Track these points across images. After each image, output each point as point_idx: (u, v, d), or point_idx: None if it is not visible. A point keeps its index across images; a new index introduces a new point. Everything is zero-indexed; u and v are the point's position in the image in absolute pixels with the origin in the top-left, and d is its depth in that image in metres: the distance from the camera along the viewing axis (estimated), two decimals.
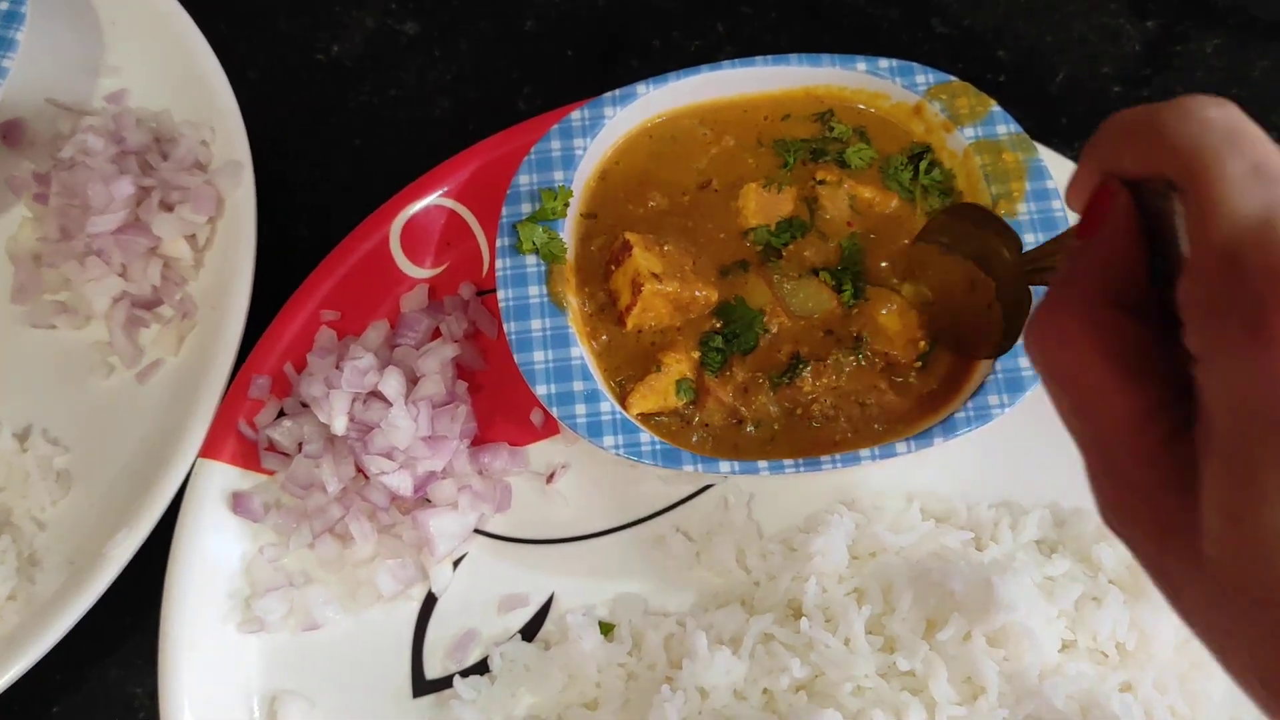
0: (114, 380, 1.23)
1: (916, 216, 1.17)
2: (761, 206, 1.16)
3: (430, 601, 1.13)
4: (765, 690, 1.03)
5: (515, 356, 1.08)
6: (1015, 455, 1.16)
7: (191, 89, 1.31)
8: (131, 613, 1.16)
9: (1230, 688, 1.05)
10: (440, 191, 1.25)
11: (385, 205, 1.24)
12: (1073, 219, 1.07)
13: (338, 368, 1.12)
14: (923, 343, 1.11)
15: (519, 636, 1.11)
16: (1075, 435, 0.61)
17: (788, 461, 1.05)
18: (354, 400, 1.11)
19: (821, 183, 1.17)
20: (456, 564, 1.15)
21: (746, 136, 1.20)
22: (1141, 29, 1.40)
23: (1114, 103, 1.36)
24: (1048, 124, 1.34)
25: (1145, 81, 1.37)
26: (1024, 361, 1.07)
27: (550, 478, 1.17)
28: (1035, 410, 1.13)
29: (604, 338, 1.13)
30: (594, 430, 1.05)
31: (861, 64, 1.19)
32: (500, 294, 1.11)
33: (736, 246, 1.16)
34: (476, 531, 1.16)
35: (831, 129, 1.20)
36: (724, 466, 1.05)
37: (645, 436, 1.05)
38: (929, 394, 1.10)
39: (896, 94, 1.19)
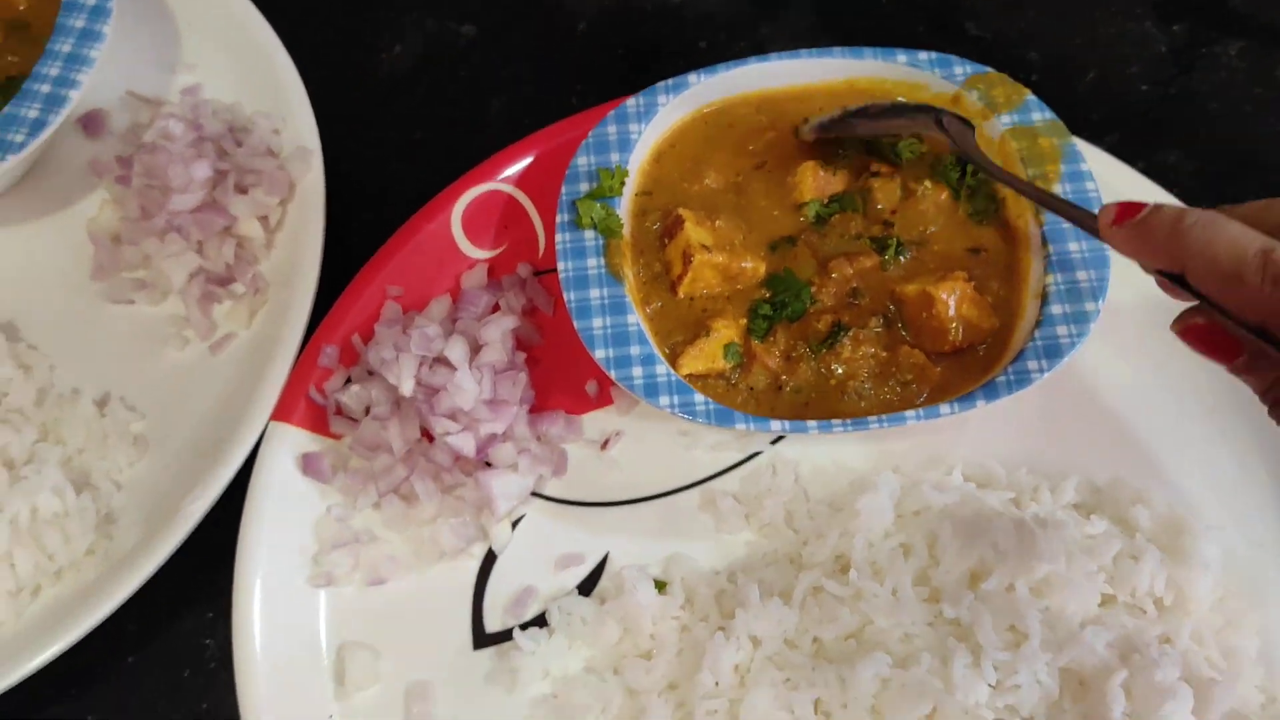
0: (188, 352, 1.29)
1: (960, 212, 1.23)
2: (817, 184, 1.23)
3: (490, 559, 1.18)
4: (815, 639, 1.07)
5: (575, 323, 1.14)
6: (1050, 432, 1.21)
7: (263, 82, 1.38)
8: (205, 569, 1.21)
9: (1266, 646, 1.09)
10: (500, 177, 1.32)
11: (448, 188, 1.30)
12: (1105, 198, 1.13)
13: (405, 335, 1.18)
14: (989, 324, 1.16)
15: (576, 592, 1.16)
16: None
17: (836, 421, 1.10)
18: (421, 364, 1.17)
19: (875, 174, 1.24)
20: (515, 524, 1.19)
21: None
22: (1167, 33, 1.47)
23: (1140, 101, 1.43)
24: (1077, 120, 1.38)
25: (1170, 81, 1.44)
26: (1061, 329, 1.12)
27: (605, 444, 1.22)
28: (1067, 390, 1.20)
29: (657, 304, 1.19)
30: (650, 391, 1.11)
31: (902, 56, 1.26)
32: (560, 265, 1.17)
33: (786, 222, 1.22)
34: (534, 494, 1.21)
35: None
36: (775, 425, 1.10)
37: (699, 397, 1.11)
38: (968, 363, 1.15)
39: (935, 84, 1.26)
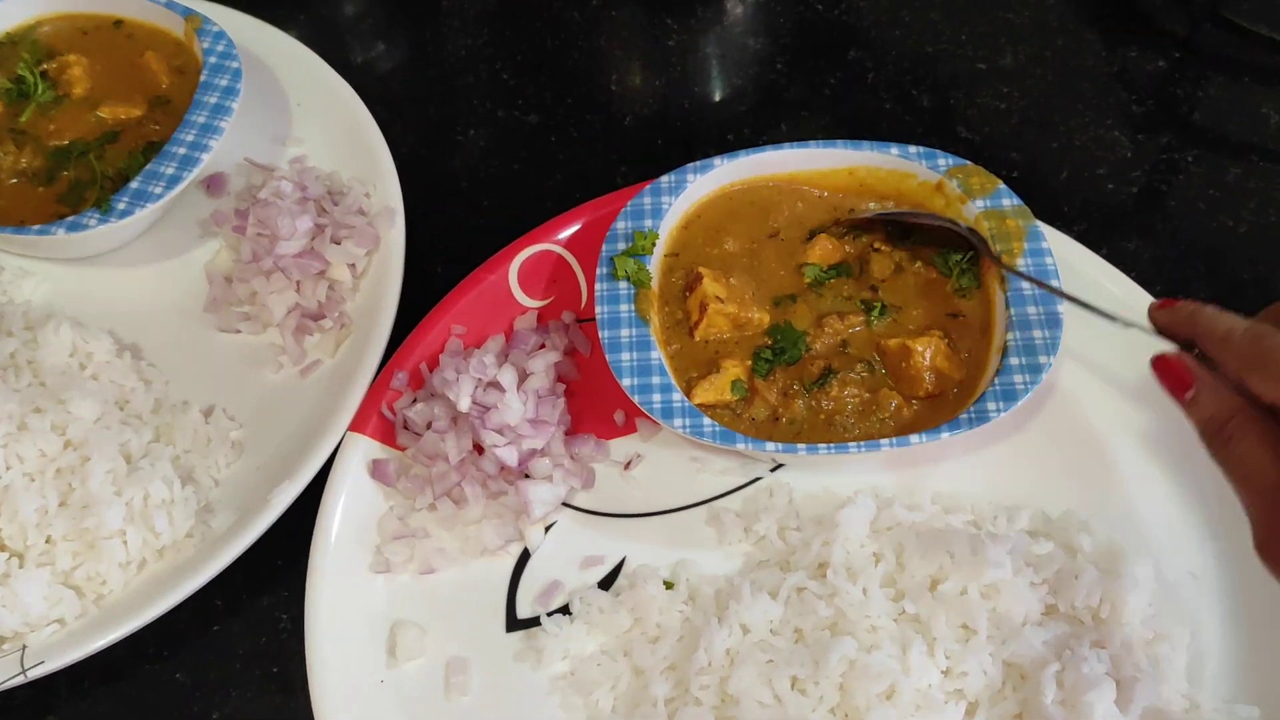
0: (282, 375, 1.52)
1: (948, 288, 1.44)
2: (824, 252, 1.46)
3: (525, 557, 1.38)
4: (796, 629, 1.25)
5: (606, 356, 1.36)
6: (1011, 473, 1.39)
7: (359, 154, 1.65)
8: (283, 556, 1.41)
9: (1196, 663, 1.24)
10: (552, 239, 1.56)
11: (508, 247, 1.54)
12: (1068, 276, 1.35)
13: (465, 361, 1.41)
14: (958, 375, 1.37)
15: (596, 587, 1.35)
16: (1246, 501, 0.97)
17: (822, 446, 1.30)
18: (477, 386, 1.39)
19: (876, 250, 1.47)
20: (548, 529, 1.40)
21: (817, 204, 1.52)
22: (1134, 141, 1.69)
23: (1107, 196, 1.65)
24: (1051, 211, 1.61)
25: (1134, 181, 1.66)
26: (1018, 378, 1.32)
27: (627, 465, 1.43)
28: (1026, 436, 1.40)
29: (677, 346, 1.41)
30: (666, 414, 1.32)
31: (894, 149, 1.49)
32: (597, 308, 1.39)
33: (791, 282, 1.45)
34: (565, 505, 1.41)
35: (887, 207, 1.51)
36: (770, 446, 1.30)
37: (707, 421, 1.32)
38: (939, 406, 1.35)
39: (922, 173, 1.49)
